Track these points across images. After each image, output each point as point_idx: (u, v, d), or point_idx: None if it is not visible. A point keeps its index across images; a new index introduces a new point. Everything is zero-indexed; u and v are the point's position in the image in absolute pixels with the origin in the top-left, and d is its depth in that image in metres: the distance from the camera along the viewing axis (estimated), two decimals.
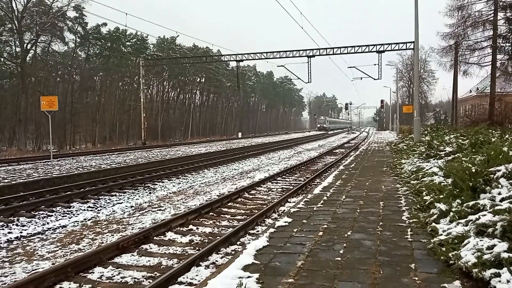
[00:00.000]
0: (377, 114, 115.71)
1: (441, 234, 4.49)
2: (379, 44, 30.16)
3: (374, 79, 32.11)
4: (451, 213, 4.96)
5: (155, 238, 6.74)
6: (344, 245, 4.72)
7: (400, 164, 13.20)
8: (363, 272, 3.85)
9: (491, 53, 27.21)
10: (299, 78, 35.32)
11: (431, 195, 6.43)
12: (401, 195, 7.91)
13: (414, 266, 3.96)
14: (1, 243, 6.94)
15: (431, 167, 9.63)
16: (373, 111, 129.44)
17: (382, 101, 69.96)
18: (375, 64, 31.43)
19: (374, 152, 21.29)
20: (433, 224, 5.06)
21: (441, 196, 5.92)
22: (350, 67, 35.22)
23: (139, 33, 53.41)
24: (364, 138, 48.37)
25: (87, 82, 49.82)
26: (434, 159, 11.27)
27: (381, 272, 3.84)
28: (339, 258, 4.25)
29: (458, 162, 7.68)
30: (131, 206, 9.82)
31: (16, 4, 39.23)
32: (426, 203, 6.19)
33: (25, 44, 40.59)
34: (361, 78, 37.35)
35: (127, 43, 55.99)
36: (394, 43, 29.86)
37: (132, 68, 52.56)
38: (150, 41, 58.73)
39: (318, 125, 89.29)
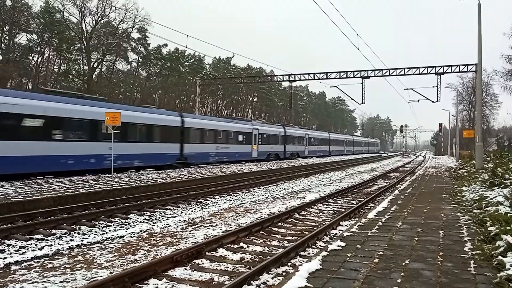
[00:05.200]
0: (434, 138, 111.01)
1: (509, 269, 4.21)
2: (439, 66, 29.06)
3: (433, 101, 30.90)
4: None
5: (207, 253, 6.83)
6: (402, 274, 4.53)
7: (460, 191, 12.55)
8: None
9: None
10: (352, 99, 34.64)
11: (497, 226, 6.07)
12: (463, 225, 7.49)
13: None
14: (63, 250, 7.33)
15: (496, 196, 9.13)
16: (430, 134, 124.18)
17: (440, 125, 67.03)
18: (433, 86, 30.23)
19: (431, 177, 20.37)
20: (500, 257, 4.75)
21: (508, 228, 5.56)
22: (407, 88, 34.16)
23: (196, 53, 55.65)
24: (420, 163, 46.50)
25: (147, 99, 52.29)
26: (498, 188, 10.66)
27: None
28: None
29: None
30: (184, 220, 10.05)
31: (85, 25, 42.36)
32: (491, 234, 5.83)
33: (92, 63, 43.49)
34: (418, 100, 36.13)
35: (185, 63, 58.40)
36: (455, 65, 28.63)
37: (188, 87, 54.50)
38: (206, 61, 60.99)
39: None
